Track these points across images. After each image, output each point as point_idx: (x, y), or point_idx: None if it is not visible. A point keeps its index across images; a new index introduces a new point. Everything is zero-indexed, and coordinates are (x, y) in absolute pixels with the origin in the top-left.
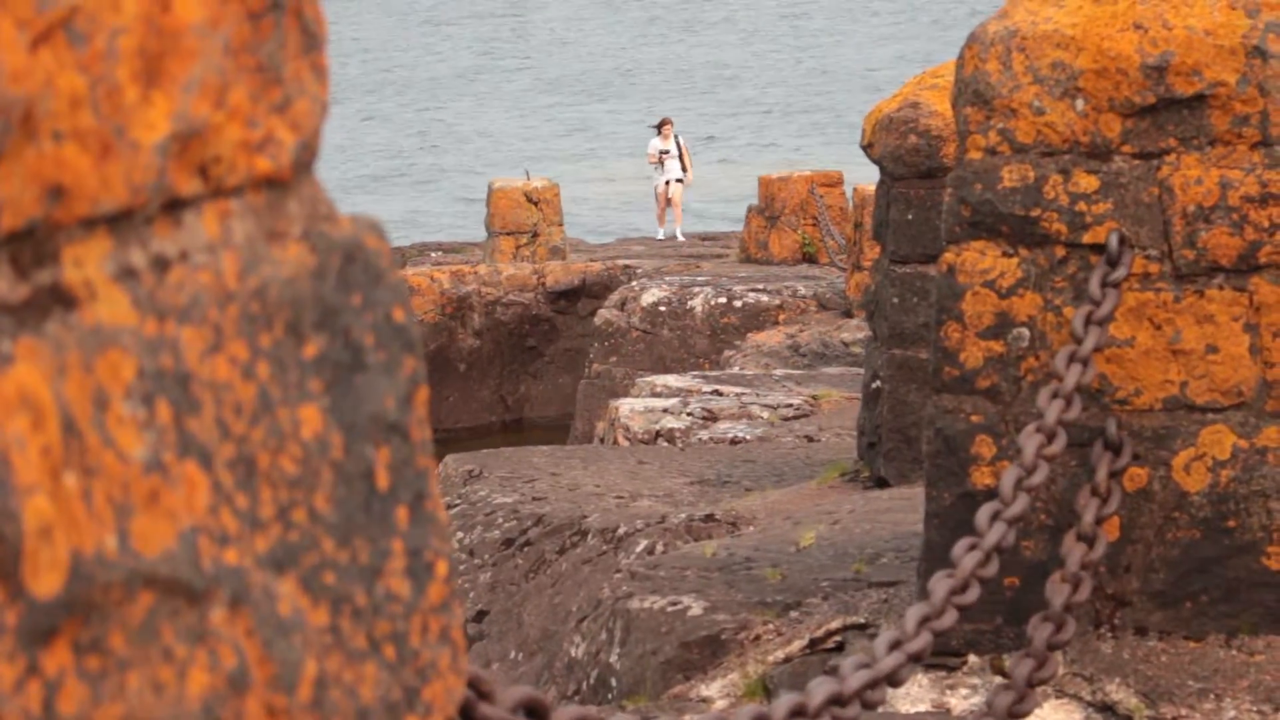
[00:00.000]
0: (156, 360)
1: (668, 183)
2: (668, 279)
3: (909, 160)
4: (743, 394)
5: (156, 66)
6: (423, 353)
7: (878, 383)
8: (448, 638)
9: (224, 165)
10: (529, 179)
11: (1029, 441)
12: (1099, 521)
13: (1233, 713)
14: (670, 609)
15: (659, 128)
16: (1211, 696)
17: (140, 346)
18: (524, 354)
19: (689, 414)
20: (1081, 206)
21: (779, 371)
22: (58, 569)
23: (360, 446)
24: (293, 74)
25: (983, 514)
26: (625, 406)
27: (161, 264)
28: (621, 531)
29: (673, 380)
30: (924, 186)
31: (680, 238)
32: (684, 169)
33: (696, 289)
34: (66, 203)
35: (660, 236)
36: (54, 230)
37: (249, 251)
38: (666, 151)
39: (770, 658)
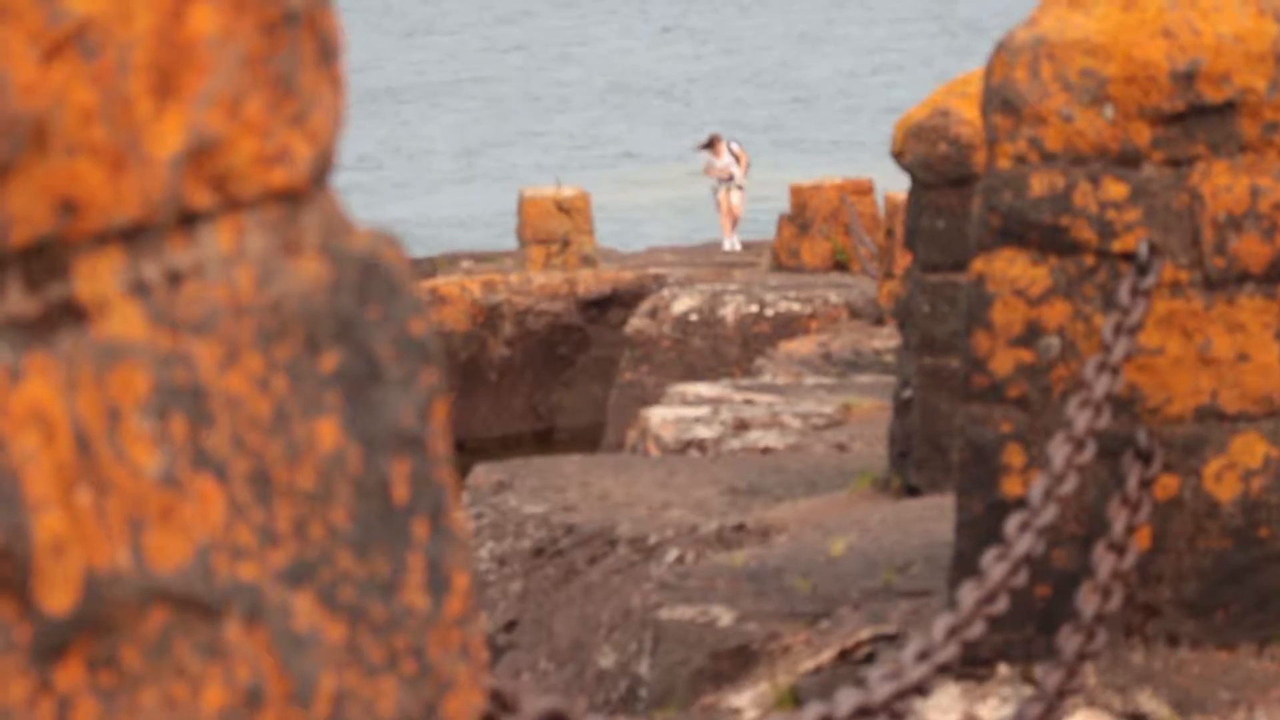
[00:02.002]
0: (170, 374)
1: (728, 191)
2: (699, 287)
3: (939, 168)
4: (774, 403)
5: (170, 79)
6: (449, 364)
7: (909, 391)
8: (468, 651)
9: (239, 178)
10: (560, 187)
11: (1059, 450)
12: (1130, 531)
13: None
14: (700, 619)
15: (710, 146)
16: (1243, 706)
17: (154, 360)
18: (555, 363)
19: (720, 423)
20: (1111, 214)
21: (810, 380)
22: (70, 586)
23: (378, 460)
24: (309, 85)
25: (1012, 523)
26: (656, 415)
27: (175, 277)
28: (652, 541)
29: (704, 389)
30: (954, 194)
31: (738, 247)
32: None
33: (728, 297)
34: (79, 217)
35: (726, 248)
36: (66, 244)
37: (264, 265)
38: (726, 165)
39: (800, 668)
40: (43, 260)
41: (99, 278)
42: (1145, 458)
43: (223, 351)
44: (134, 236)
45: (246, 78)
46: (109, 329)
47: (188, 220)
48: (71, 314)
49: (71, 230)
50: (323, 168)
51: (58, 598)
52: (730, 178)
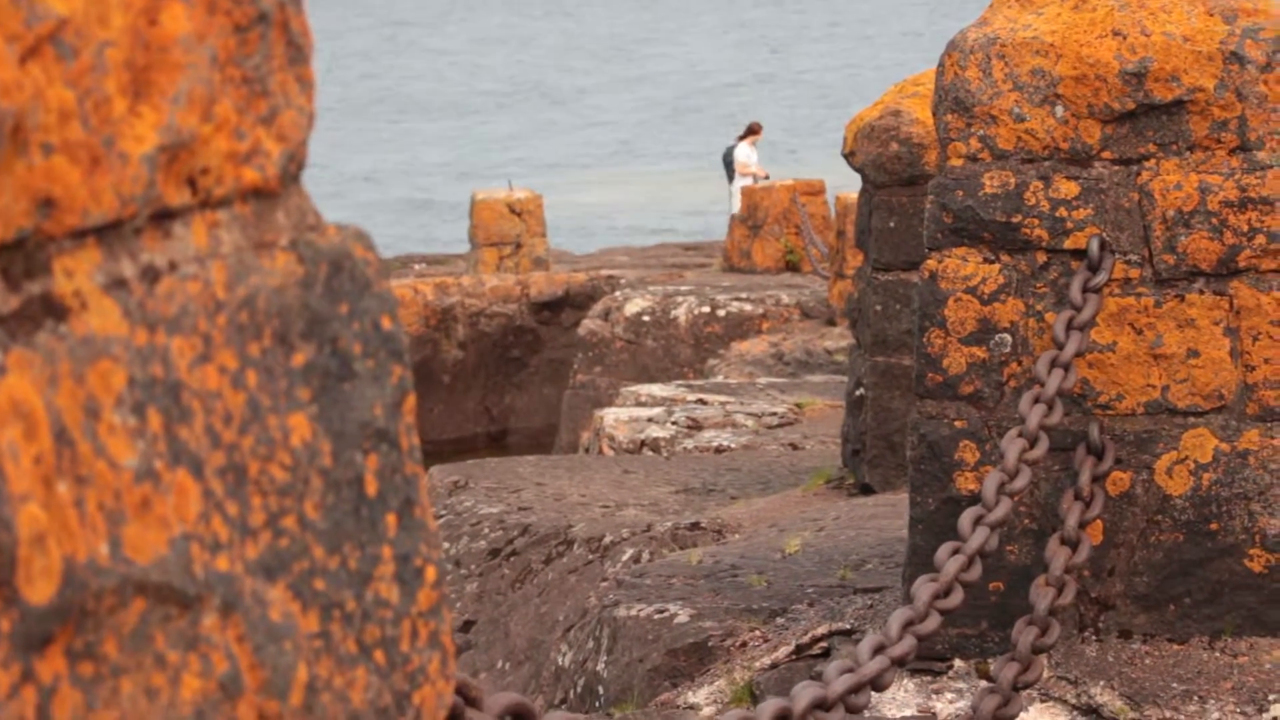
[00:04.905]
0: (147, 370)
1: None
2: (651, 289)
3: (891, 168)
4: (727, 402)
5: (144, 79)
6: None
7: (861, 390)
8: (437, 643)
9: (212, 176)
10: (511, 189)
11: (1011, 446)
12: (1082, 525)
13: (1216, 714)
14: (657, 616)
15: (748, 135)
16: (1195, 698)
17: (131, 356)
18: (508, 365)
19: (674, 423)
20: (1062, 212)
21: (763, 380)
22: (51, 576)
23: (349, 454)
24: (279, 86)
25: (965, 519)
26: (610, 416)
27: (151, 274)
28: (607, 540)
29: (657, 389)
30: (906, 194)
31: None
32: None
33: (680, 298)
34: (56, 214)
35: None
36: (44, 242)
37: (237, 261)
38: (760, 165)
39: (757, 664)
40: (21, 257)
41: (77, 274)
42: (1097, 453)
43: (197, 347)
44: (110, 234)
45: (219, 77)
46: (87, 325)
47: (163, 217)
48: (51, 310)
49: (49, 228)
50: (293, 166)
51: (39, 588)
52: (767, 177)
